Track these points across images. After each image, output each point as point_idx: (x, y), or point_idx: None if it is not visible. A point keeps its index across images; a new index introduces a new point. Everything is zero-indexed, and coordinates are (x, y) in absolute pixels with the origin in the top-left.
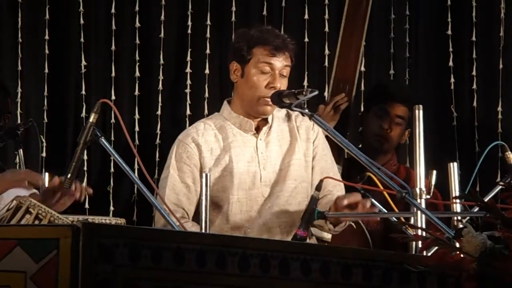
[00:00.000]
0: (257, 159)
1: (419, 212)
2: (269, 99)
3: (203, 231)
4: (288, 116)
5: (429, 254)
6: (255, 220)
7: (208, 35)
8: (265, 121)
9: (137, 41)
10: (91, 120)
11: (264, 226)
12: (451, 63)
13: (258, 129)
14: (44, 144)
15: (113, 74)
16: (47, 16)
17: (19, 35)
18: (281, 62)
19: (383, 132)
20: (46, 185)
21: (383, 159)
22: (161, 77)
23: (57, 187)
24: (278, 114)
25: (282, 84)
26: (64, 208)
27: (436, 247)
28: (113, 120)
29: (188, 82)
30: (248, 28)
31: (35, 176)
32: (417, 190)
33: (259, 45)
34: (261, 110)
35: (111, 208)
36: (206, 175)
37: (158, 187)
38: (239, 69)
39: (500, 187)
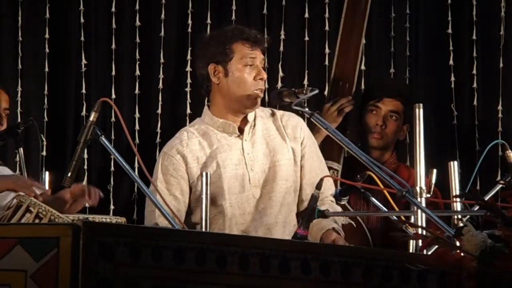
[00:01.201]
0: (244, 161)
1: (419, 211)
2: (259, 91)
3: (203, 230)
4: (273, 115)
5: (429, 253)
6: (250, 223)
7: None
8: (246, 120)
9: (138, 40)
10: (91, 118)
11: (260, 229)
12: (451, 62)
13: (241, 130)
14: (44, 143)
15: (113, 72)
16: (47, 15)
17: (19, 34)
18: (259, 56)
19: (377, 129)
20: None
21: (382, 157)
22: (161, 75)
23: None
24: (261, 113)
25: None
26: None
27: (436, 246)
28: (113, 119)
29: (188, 80)
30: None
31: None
32: (417, 188)
33: (238, 41)
34: (252, 104)
35: (112, 207)
36: (206, 174)
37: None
38: (221, 69)
39: (501, 185)
